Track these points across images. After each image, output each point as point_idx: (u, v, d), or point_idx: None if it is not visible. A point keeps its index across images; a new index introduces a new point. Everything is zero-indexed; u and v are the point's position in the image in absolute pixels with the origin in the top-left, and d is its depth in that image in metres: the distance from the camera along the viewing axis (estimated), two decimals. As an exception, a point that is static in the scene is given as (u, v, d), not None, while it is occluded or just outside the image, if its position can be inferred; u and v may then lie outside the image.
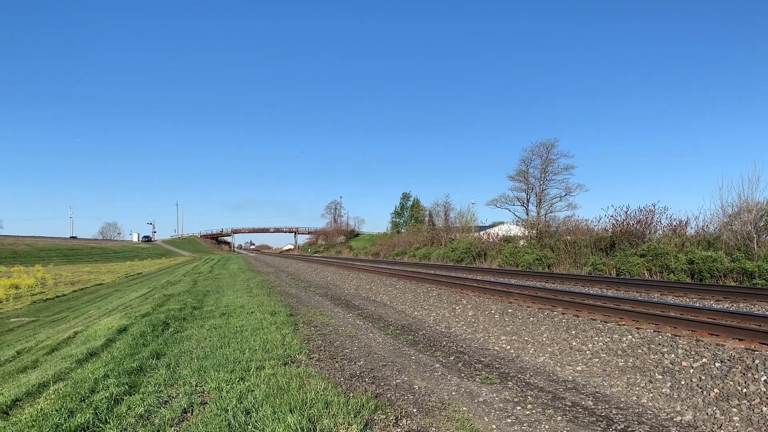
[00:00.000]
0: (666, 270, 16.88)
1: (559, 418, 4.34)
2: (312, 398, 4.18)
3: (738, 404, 4.42)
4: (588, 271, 19.64)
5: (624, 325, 7.03)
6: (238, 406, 4.05)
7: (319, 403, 4.05)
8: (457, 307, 10.26)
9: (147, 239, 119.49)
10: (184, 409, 4.15)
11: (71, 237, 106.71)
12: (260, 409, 3.97)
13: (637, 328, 6.70)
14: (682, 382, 5.04)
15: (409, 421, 3.96)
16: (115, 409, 4.25)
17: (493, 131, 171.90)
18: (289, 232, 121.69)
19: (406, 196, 73.67)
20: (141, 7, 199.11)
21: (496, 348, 7.39)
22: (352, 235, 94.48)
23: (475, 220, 41.77)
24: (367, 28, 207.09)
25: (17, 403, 4.79)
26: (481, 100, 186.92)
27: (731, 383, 4.75)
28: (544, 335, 7.37)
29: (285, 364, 5.48)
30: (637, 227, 21.24)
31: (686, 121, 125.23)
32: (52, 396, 4.74)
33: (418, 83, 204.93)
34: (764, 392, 4.46)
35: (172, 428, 3.78)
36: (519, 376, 5.81)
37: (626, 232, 21.22)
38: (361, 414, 3.92)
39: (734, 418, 4.24)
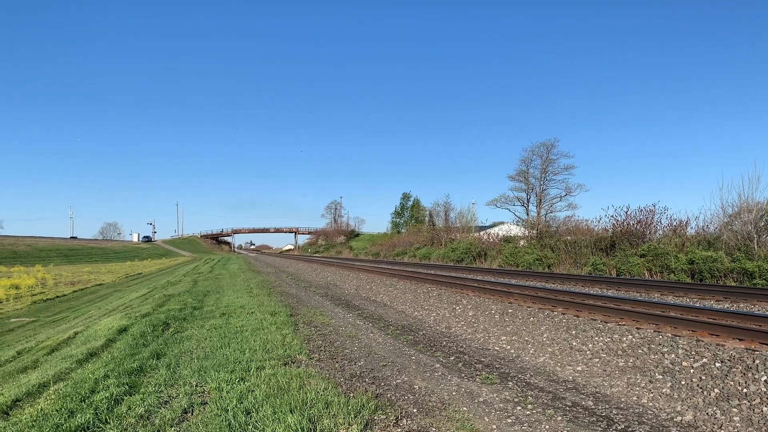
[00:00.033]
0: (666, 270, 16.88)
1: (560, 418, 4.34)
2: (312, 398, 4.18)
3: (738, 404, 4.42)
4: (588, 272, 19.63)
5: (624, 325, 7.02)
6: (239, 406, 4.05)
7: (320, 404, 4.05)
8: (458, 308, 10.26)
9: (147, 239, 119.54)
10: (185, 409, 4.15)
11: (71, 237, 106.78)
12: (260, 409, 3.97)
13: (638, 328, 6.70)
14: (683, 382, 5.04)
15: (409, 422, 3.96)
16: (115, 410, 4.25)
17: (493, 131, 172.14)
18: (289, 232, 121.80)
19: (406, 196, 73.76)
20: (141, 7, 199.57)
21: (496, 348, 7.39)
22: (353, 235, 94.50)
23: (475, 220, 41.83)
24: (367, 28, 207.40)
25: (17, 403, 4.80)
26: (481, 100, 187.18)
27: (731, 383, 4.74)
28: (545, 335, 7.37)
29: (285, 365, 5.48)
30: (638, 227, 21.24)
31: (686, 121, 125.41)
32: (53, 396, 4.74)
33: (418, 83, 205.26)
34: (764, 392, 4.46)
35: (173, 428, 3.78)
36: (519, 376, 5.81)
37: (626, 232, 21.22)
38: (361, 414, 3.92)
39: (734, 419, 4.24)
